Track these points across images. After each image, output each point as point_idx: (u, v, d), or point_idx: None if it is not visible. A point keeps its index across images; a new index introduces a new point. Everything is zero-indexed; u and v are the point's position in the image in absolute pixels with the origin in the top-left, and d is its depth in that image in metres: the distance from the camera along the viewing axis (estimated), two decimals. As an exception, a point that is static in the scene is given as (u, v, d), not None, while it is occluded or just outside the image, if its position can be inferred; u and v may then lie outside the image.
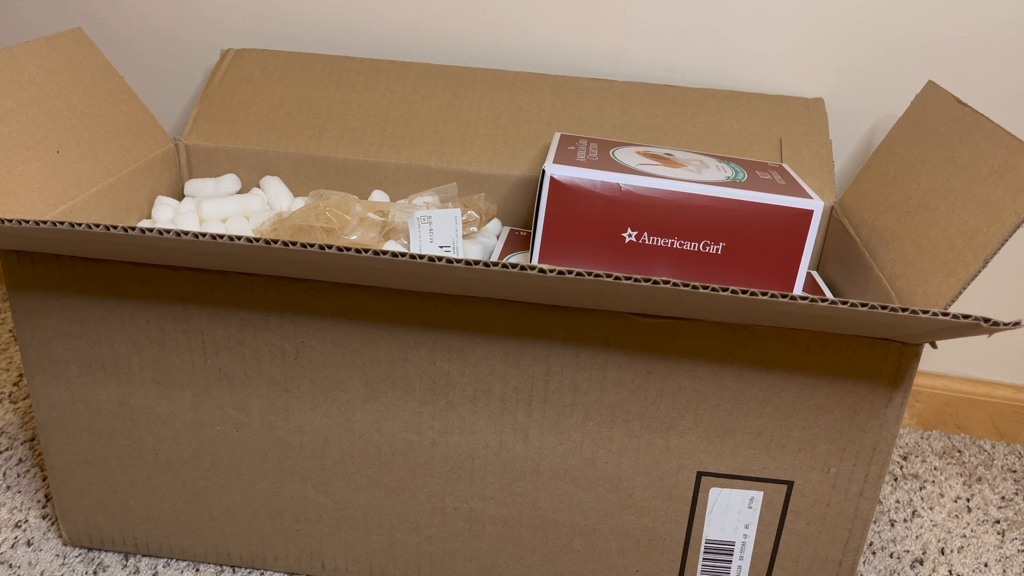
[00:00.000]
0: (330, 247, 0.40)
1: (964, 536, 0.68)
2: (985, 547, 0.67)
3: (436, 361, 0.51)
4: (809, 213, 0.53)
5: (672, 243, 0.53)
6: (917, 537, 0.68)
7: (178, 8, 0.81)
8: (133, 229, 0.41)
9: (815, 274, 0.67)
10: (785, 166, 0.62)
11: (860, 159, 0.75)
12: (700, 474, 0.52)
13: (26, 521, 0.63)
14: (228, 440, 0.55)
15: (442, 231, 0.63)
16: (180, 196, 0.74)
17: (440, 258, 0.40)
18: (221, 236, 0.41)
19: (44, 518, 0.64)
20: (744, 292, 0.39)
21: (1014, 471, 0.77)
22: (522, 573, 0.57)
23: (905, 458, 0.78)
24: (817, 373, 0.48)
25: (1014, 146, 0.50)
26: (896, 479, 0.75)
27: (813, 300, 0.39)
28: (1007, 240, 0.49)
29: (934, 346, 0.48)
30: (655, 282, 0.40)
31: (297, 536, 0.58)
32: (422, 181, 0.71)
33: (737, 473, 0.52)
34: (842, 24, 0.72)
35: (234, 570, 0.60)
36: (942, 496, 0.73)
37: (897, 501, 0.72)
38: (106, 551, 0.61)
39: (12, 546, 0.61)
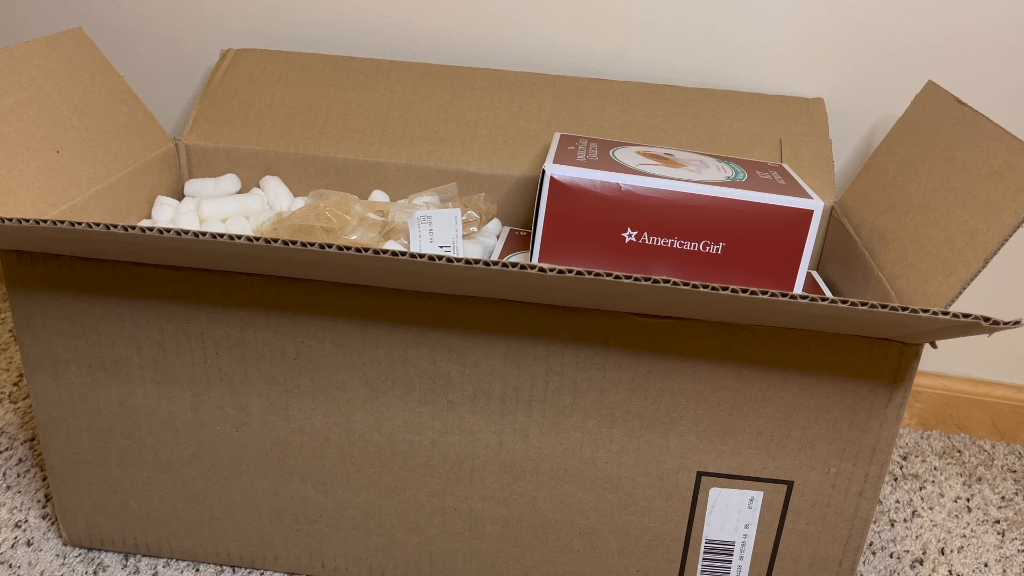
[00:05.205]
0: (330, 247, 0.40)
1: (964, 536, 0.68)
2: (985, 547, 0.67)
3: (436, 361, 0.51)
4: (809, 213, 0.53)
5: (672, 243, 0.53)
6: (917, 537, 0.68)
7: (178, 8, 0.81)
8: (133, 229, 0.41)
9: (815, 274, 0.67)
10: (785, 166, 0.62)
11: (860, 159, 0.75)
12: (700, 474, 0.52)
13: (26, 521, 0.63)
14: (228, 440, 0.55)
15: (442, 231, 0.63)
16: (180, 196, 0.74)
17: (440, 258, 0.40)
18: (221, 236, 0.41)
19: (44, 518, 0.64)
20: (744, 292, 0.39)
21: (1014, 471, 0.77)
22: (522, 573, 0.57)
23: (905, 458, 0.78)
24: (817, 373, 0.48)
25: (1014, 146, 0.50)
26: (896, 479, 0.75)
27: (813, 299, 0.39)
28: (1007, 240, 0.49)
29: (934, 346, 0.48)
30: (655, 282, 0.40)
31: (297, 536, 0.58)
32: (422, 181, 0.71)
33: (737, 473, 0.52)
34: (842, 24, 0.72)
35: (234, 570, 0.60)
36: (942, 496, 0.73)
37: (897, 501, 0.72)
38: (106, 551, 0.61)
39: (12, 546, 0.61)
